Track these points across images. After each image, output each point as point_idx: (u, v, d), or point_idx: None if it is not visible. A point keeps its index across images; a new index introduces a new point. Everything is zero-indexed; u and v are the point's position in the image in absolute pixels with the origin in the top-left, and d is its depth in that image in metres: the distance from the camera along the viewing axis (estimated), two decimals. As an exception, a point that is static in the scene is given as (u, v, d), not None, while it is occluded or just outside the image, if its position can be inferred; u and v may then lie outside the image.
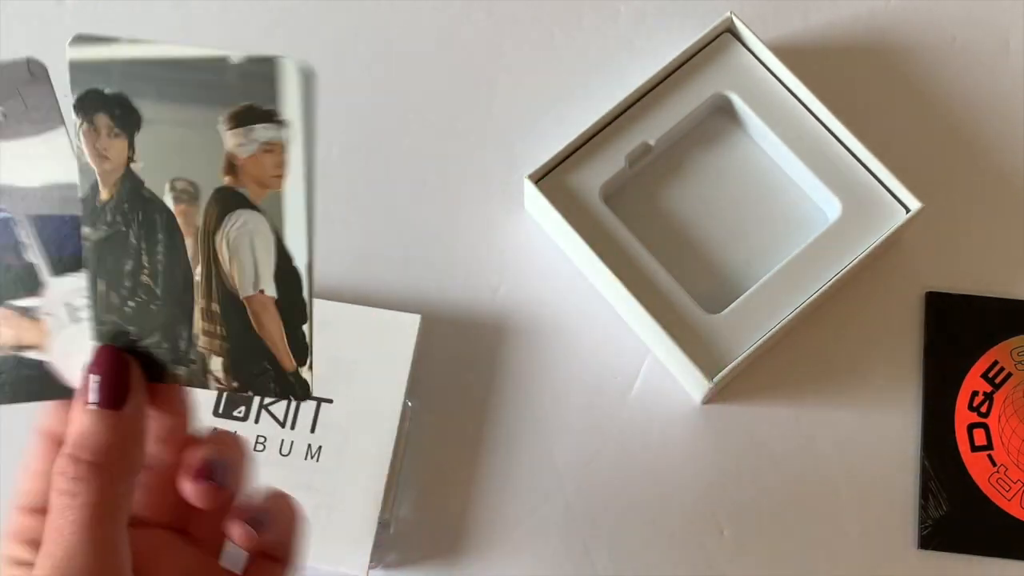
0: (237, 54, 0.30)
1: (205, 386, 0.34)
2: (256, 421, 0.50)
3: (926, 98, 0.56)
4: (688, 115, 0.53)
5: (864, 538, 0.50)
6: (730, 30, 0.54)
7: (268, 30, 0.59)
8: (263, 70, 0.30)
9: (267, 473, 0.38)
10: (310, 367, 0.33)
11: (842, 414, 0.51)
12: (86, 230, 0.33)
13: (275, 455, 0.49)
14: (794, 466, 0.51)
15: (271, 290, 0.33)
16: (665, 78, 0.53)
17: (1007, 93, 0.56)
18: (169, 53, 0.31)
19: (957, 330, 0.52)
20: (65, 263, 0.34)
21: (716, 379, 0.48)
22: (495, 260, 0.54)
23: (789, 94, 0.53)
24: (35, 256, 0.34)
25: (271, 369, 0.33)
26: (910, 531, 0.50)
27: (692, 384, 0.51)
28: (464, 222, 0.55)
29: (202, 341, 0.34)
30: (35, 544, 0.32)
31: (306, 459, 0.49)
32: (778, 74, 0.53)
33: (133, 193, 0.32)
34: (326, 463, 0.49)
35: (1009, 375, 0.51)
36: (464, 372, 0.53)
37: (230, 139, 0.31)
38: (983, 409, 0.51)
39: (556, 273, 0.54)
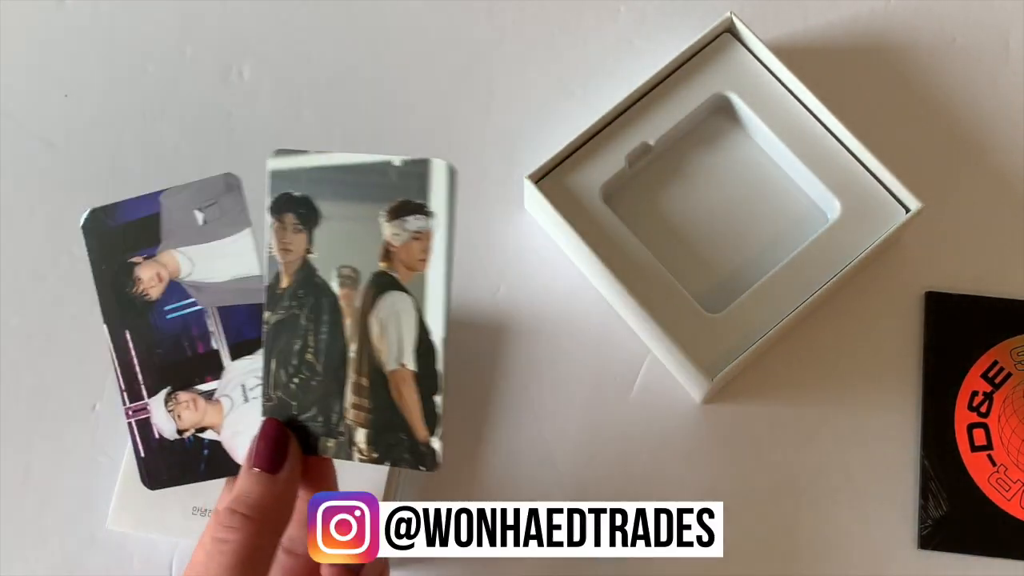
0: (398, 158, 0.35)
1: (350, 457, 0.37)
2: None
3: (926, 98, 0.56)
4: (688, 115, 0.53)
5: (864, 538, 0.50)
6: (730, 30, 0.54)
7: (268, 30, 0.58)
8: (418, 170, 0.35)
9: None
10: (440, 437, 0.36)
11: (842, 414, 0.51)
12: (267, 314, 0.37)
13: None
14: (794, 466, 0.51)
15: (411, 363, 0.36)
16: (665, 78, 0.53)
17: (1007, 93, 0.56)
18: (345, 161, 0.36)
19: (957, 330, 0.52)
20: (242, 348, 0.38)
21: (716, 379, 0.48)
22: (495, 260, 0.54)
23: (789, 94, 0.53)
24: (218, 343, 0.38)
25: (406, 439, 0.36)
26: (910, 531, 0.50)
27: (692, 384, 0.51)
28: (464, 222, 0.54)
29: (351, 414, 0.37)
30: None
31: (306, 459, 0.49)
32: (778, 74, 0.53)
33: (307, 280, 0.37)
34: (326, 463, 0.49)
35: (1009, 375, 0.51)
36: (464, 372, 0.53)
37: (387, 229, 0.36)
38: (983, 409, 0.51)
39: (556, 273, 0.54)
